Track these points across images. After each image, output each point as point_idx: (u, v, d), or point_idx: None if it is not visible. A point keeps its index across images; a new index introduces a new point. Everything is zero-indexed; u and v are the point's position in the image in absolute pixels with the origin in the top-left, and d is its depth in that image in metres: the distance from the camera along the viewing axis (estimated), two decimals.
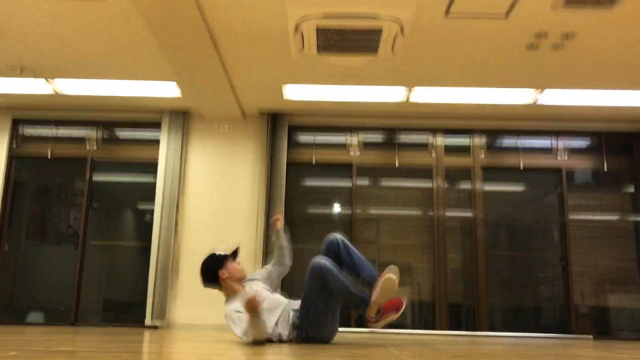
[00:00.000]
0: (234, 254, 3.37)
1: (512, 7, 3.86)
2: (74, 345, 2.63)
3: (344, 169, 6.15)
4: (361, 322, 5.73)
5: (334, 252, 3.13)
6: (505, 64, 4.84)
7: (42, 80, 5.37)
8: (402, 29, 4.09)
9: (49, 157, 6.15)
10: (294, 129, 6.19)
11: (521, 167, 6.11)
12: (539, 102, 5.59)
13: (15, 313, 5.91)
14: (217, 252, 3.34)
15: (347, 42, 4.33)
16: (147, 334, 4.04)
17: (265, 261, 5.27)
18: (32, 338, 3.17)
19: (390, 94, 5.52)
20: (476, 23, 4.14)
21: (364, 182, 6.16)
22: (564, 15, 3.97)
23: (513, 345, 3.75)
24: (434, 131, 6.21)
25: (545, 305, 5.94)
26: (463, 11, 3.94)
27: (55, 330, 4.42)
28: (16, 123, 6.21)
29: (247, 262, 5.20)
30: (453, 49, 4.57)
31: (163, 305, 5.57)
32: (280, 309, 3.18)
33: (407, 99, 5.58)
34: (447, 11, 3.94)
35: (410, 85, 5.31)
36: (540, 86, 5.27)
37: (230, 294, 3.24)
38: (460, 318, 5.88)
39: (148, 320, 5.59)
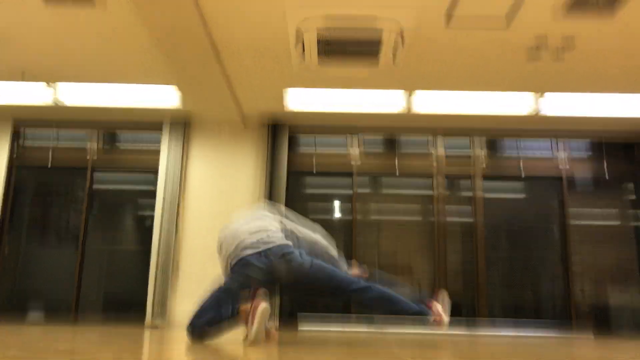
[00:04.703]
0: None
1: (512, 14, 3.88)
2: (73, 344, 2.63)
3: (344, 175, 6.17)
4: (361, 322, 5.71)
5: None
6: (506, 73, 4.86)
7: (43, 84, 5.36)
8: (402, 35, 4.13)
9: (49, 164, 6.17)
10: (294, 136, 6.22)
11: (522, 174, 6.12)
12: (539, 110, 5.58)
13: (15, 312, 5.91)
14: None
15: (348, 47, 4.36)
16: (147, 334, 4.03)
17: None
18: (32, 337, 3.16)
19: (391, 102, 5.52)
20: (477, 31, 4.16)
21: (364, 189, 6.17)
22: (565, 24, 3.98)
23: (513, 344, 3.74)
24: (434, 138, 6.23)
25: (546, 305, 5.91)
26: (464, 16, 3.97)
27: (55, 329, 4.40)
28: (17, 130, 6.25)
29: None
30: (453, 57, 4.59)
31: (163, 306, 5.57)
32: None
33: (409, 107, 5.58)
34: (448, 19, 3.97)
35: (410, 90, 5.33)
36: (541, 92, 5.29)
37: None
38: (460, 318, 5.85)
39: (148, 322, 5.59)
